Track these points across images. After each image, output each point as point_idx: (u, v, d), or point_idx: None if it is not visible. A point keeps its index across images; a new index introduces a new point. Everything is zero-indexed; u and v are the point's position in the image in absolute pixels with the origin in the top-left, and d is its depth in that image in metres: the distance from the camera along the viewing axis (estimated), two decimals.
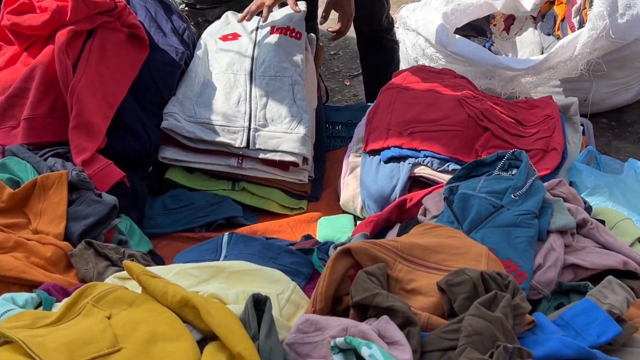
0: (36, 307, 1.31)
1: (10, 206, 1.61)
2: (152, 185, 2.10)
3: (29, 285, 1.45)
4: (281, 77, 2.16)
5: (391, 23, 2.78)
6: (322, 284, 1.28)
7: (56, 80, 1.84)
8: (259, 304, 1.22)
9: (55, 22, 1.88)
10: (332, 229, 2.02)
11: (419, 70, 2.28)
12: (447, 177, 1.91)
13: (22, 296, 1.29)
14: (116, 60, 1.99)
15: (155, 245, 1.94)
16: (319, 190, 2.18)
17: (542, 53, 3.02)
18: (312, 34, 2.42)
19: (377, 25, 2.72)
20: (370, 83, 2.92)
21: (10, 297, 1.27)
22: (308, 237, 1.81)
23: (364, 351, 1.01)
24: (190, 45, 2.24)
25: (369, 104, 2.50)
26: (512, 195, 1.52)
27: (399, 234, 1.71)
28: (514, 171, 1.64)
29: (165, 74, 2.09)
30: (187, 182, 2.10)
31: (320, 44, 2.45)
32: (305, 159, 2.09)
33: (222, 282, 1.37)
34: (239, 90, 2.13)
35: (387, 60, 2.84)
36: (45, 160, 1.78)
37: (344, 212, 2.11)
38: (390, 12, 2.76)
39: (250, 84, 2.14)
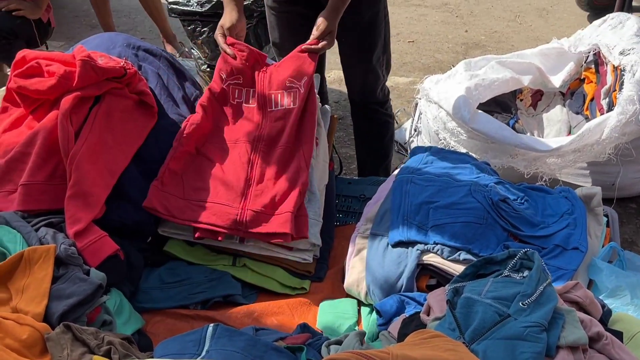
0: None
1: None
2: (150, 256, 2.02)
3: None
4: None
5: (387, 95, 2.70)
6: None
7: (57, 147, 1.80)
8: None
9: (62, 88, 1.86)
10: (334, 314, 1.91)
11: None
12: (457, 266, 1.81)
13: None
14: (122, 127, 1.95)
15: (147, 320, 1.86)
16: (323, 270, 2.08)
17: (570, 132, 2.91)
18: (326, 105, 2.36)
19: (371, 98, 2.64)
20: (363, 154, 2.85)
21: None
22: (304, 327, 1.71)
23: None
24: None
25: (381, 178, 2.42)
26: (521, 304, 1.40)
27: (400, 332, 1.60)
28: (526, 273, 1.53)
29: (172, 144, 2.03)
30: (187, 255, 2.02)
31: (335, 115, 2.39)
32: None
33: None
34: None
35: (381, 133, 2.76)
36: (37, 230, 1.72)
37: (348, 295, 2.00)
38: (414, 81, 2.70)
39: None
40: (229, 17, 2.16)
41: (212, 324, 1.50)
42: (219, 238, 1.96)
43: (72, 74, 1.88)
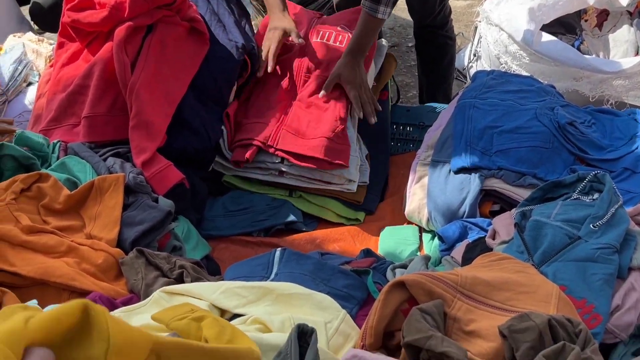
0: None
1: (66, 208, 1.60)
2: (212, 185, 2.05)
3: (78, 293, 1.43)
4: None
5: (446, 17, 2.68)
6: (372, 318, 1.19)
7: (115, 78, 1.82)
8: (304, 335, 1.15)
9: (114, 18, 1.85)
10: (396, 240, 1.92)
11: None
12: (522, 191, 1.78)
13: None
14: (176, 55, 1.94)
15: (213, 247, 1.90)
16: (375, 202, 2.08)
17: (638, 52, 2.78)
18: (382, 40, 2.34)
19: (429, 21, 2.64)
20: (422, 77, 2.87)
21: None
22: (367, 252, 1.72)
23: None
24: (252, 38, 2.16)
25: (443, 105, 2.37)
26: (592, 226, 1.37)
27: (464, 256, 1.59)
28: (596, 195, 1.49)
29: (224, 70, 2.04)
30: (246, 185, 2.05)
31: (392, 54, 2.34)
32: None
33: (269, 305, 1.30)
34: None
35: (440, 55, 2.77)
36: (105, 160, 1.76)
37: (409, 222, 2.00)
38: (472, 4, 2.61)
39: None
40: (287, 22, 2.15)
41: (279, 248, 1.52)
42: (247, 155, 1.98)
43: (123, 4, 1.87)
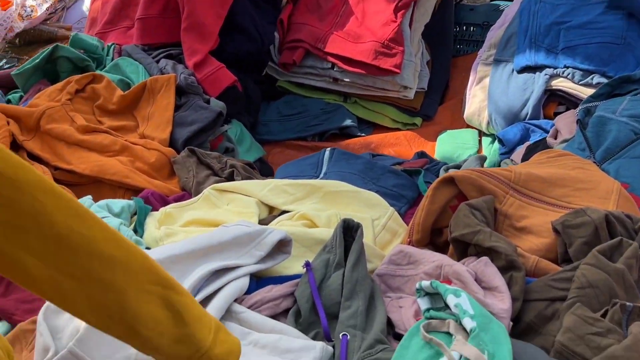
0: (132, 215, 1.32)
1: (120, 108, 1.62)
2: (267, 89, 2.03)
3: (132, 190, 1.46)
4: None
5: None
6: (420, 213, 1.16)
7: None
8: (350, 229, 1.14)
9: None
10: (453, 144, 1.86)
11: None
12: (590, 91, 1.67)
13: (118, 203, 1.30)
14: None
15: (267, 152, 1.90)
16: (433, 107, 2.00)
17: None
18: None
19: None
20: None
21: (106, 204, 1.28)
22: (421, 155, 1.67)
23: (450, 299, 0.90)
24: None
25: (508, 2, 2.23)
26: None
27: (524, 158, 1.52)
28: None
29: None
30: (299, 90, 2.01)
31: None
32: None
33: (316, 202, 1.29)
34: None
35: None
36: (158, 61, 1.75)
37: (468, 126, 1.93)
38: None
39: None
40: None
41: (329, 148, 1.50)
42: (294, 57, 1.94)
43: None
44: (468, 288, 0.97)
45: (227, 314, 1.01)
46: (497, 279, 1.00)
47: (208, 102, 1.67)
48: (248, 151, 1.79)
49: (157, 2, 1.82)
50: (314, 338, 1.00)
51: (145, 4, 1.80)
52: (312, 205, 1.28)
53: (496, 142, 1.79)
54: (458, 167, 1.49)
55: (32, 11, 2.10)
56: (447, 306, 0.94)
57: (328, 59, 1.96)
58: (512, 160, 1.61)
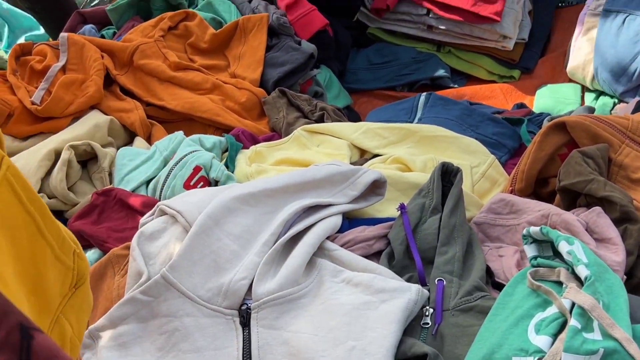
0: (223, 152, 1.30)
1: (212, 47, 1.60)
2: (357, 36, 1.97)
3: (222, 129, 1.45)
4: None
5: None
6: (525, 160, 1.09)
7: None
8: (448, 174, 1.08)
9: None
10: (554, 99, 1.75)
11: None
12: None
13: (210, 139, 1.28)
14: None
15: (355, 101, 1.85)
16: (533, 60, 1.89)
17: None
18: None
19: None
20: None
21: (199, 138, 1.27)
22: (521, 106, 1.58)
23: (562, 246, 0.83)
24: None
25: None
26: None
27: (635, 110, 1.42)
28: None
29: None
30: (391, 38, 1.94)
31: None
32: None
33: (411, 147, 1.24)
34: None
35: None
36: (250, 1, 1.72)
37: (570, 80, 1.82)
38: None
39: None
40: None
41: (425, 93, 1.44)
42: (388, 2, 1.86)
43: None
44: (579, 238, 0.91)
45: (320, 251, 0.98)
46: (610, 230, 0.93)
47: (299, 43, 1.63)
48: (336, 98, 1.74)
49: None
50: (408, 281, 0.96)
51: None
52: (407, 150, 1.22)
53: (601, 97, 1.69)
54: None
55: None
56: (555, 255, 0.88)
57: (423, 5, 1.87)
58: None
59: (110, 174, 1.29)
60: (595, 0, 1.79)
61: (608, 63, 1.66)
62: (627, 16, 1.67)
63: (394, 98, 1.87)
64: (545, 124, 1.39)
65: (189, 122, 1.47)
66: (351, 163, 1.25)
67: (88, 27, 1.63)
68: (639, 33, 1.63)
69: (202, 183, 1.16)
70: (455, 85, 1.88)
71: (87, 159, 1.33)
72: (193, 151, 1.19)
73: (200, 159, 1.17)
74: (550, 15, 1.99)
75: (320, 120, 1.43)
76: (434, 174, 1.06)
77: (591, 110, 1.38)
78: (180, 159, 1.18)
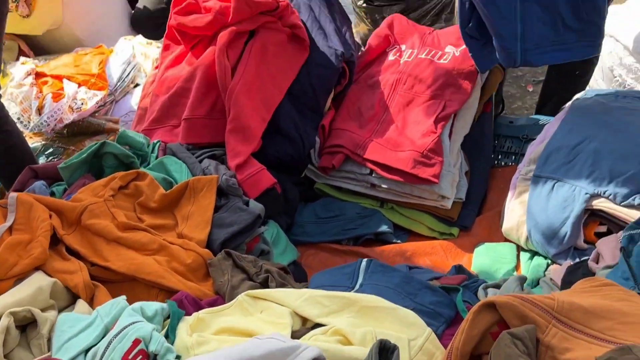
0: (165, 319, 1.31)
1: (161, 207, 1.63)
2: (305, 191, 2.05)
3: (166, 290, 1.46)
4: None
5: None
6: (458, 338, 1.13)
7: (216, 82, 1.85)
8: (386, 351, 1.11)
9: (218, 23, 1.90)
10: (491, 257, 1.84)
11: None
12: (632, 212, 1.65)
13: (152, 306, 1.29)
14: (276, 61, 1.95)
15: (302, 253, 1.90)
16: (471, 217, 1.99)
17: None
18: None
19: None
20: (549, 88, 2.58)
21: (140, 307, 1.28)
22: (459, 269, 1.65)
23: None
24: (352, 46, 2.14)
25: (548, 117, 2.25)
26: None
27: (564, 279, 1.49)
28: None
29: (323, 78, 2.03)
30: (337, 193, 2.03)
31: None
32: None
33: (352, 317, 1.27)
34: None
35: (583, 69, 2.44)
36: (201, 161, 1.79)
37: (506, 239, 1.91)
38: None
39: None
40: None
41: (366, 259, 1.49)
42: (333, 161, 1.97)
43: (227, 9, 1.91)
44: None
45: None
46: None
47: (247, 204, 1.69)
48: (283, 253, 1.78)
49: (205, 104, 1.88)
50: None
51: (193, 104, 1.86)
52: (347, 320, 1.25)
53: (535, 258, 1.77)
54: (497, 286, 1.47)
55: (82, 104, 2.18)
56: None
57: (367, 165, 1.98)
58: (551, 279, 1.58)
59: (49, 340, 1.28)
60: (526, 166, 1.92)
61: (540, 226, 1.76)
62: (556, 182, 1.79)
63: (339, 251, 1.94)
64: (480, 292, 1.46)
65: (133, 283, 1.47)
66: (293, 332, 1.26)
67: (39, 183, 1.66)
68: (567, 199, 1.74)
69: (141, 356, 1.16)
70: (398, 241, 1.95)
71: (26, 324, 1.31)
72: (134, 322, 1.20)
73: (140, 331, 1.17)
74: (486, 176, 2.12)
75: (265, 282, 1.46)
76: (372, 351, 1.08)
77: (522, 279, 1.45)
78: (120, 331, 1.18)
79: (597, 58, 2.43)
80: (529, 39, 1.90)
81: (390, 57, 2.24)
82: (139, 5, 3.01)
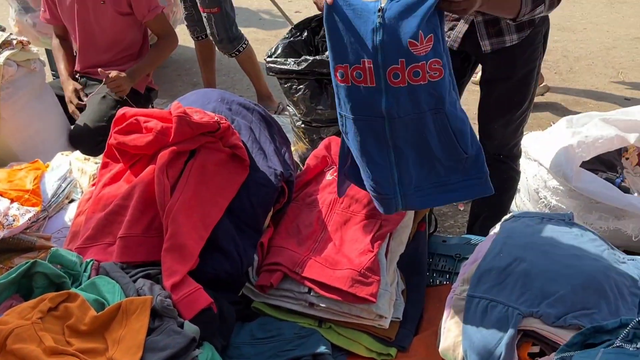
0: None
1: (91, 330, 1.58)
2: (242, 309, 2.02)
3: None
4: None
5: (519, 152, 2.54)
6: None
7: (154, 200, 1.85)
8: None
9: (159, 143, 1.92)
10: None
11: None
12: (563, 332, 1.69)
13: None
14: (215, 180, 1.98)
15: None
16: (408, 338, 2.00)
17: None
18: None
19: (504, 150, 2.46)
20: (478, 207, 2.69)
21: None
22: None
23: None
24: (291, 166, 2.20)
25: (480, 237, 2.33)
26: None
27: None
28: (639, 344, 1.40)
29: (262, 196, 2.06)
30: (274, 313, 2.01)
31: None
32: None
33: None
34: None
35: (505, 187, 2.54)
36: (135, 281, 1.75)
37: (443, 359, 1.91)
38: None
39: None
40: None
41: None
42: (272, 280, 1.97)
43: (168, 130, 1.94)
44: None
45: None
46: None
47: (182, 325, 1.65)
48: None
49: (142, 222, 1.87)
50: None
51: (129, 222, 1.85)
52: None
53: None
54: None
55: (14, 220, 2.12)
56: None
57: (305, 284, 1.98)
58: None
59: None
60: (460, 286, 1.96)
61: (475, 347, 1.78)
62: (489, 302, 1.83)
63: None
64: None
65: None
66: None
67: None
68: (501, 319, 1.78)
69: None
70: None
71: None
72: None
73: None
74: (422, 294, 2.15)
75: None
76: None
77: None
78: None
79: (517, 173, 2.56)
80: (406, 183, 1.88)
81: (328, 176, 2.31)
82: (79, 122, 3.02)
